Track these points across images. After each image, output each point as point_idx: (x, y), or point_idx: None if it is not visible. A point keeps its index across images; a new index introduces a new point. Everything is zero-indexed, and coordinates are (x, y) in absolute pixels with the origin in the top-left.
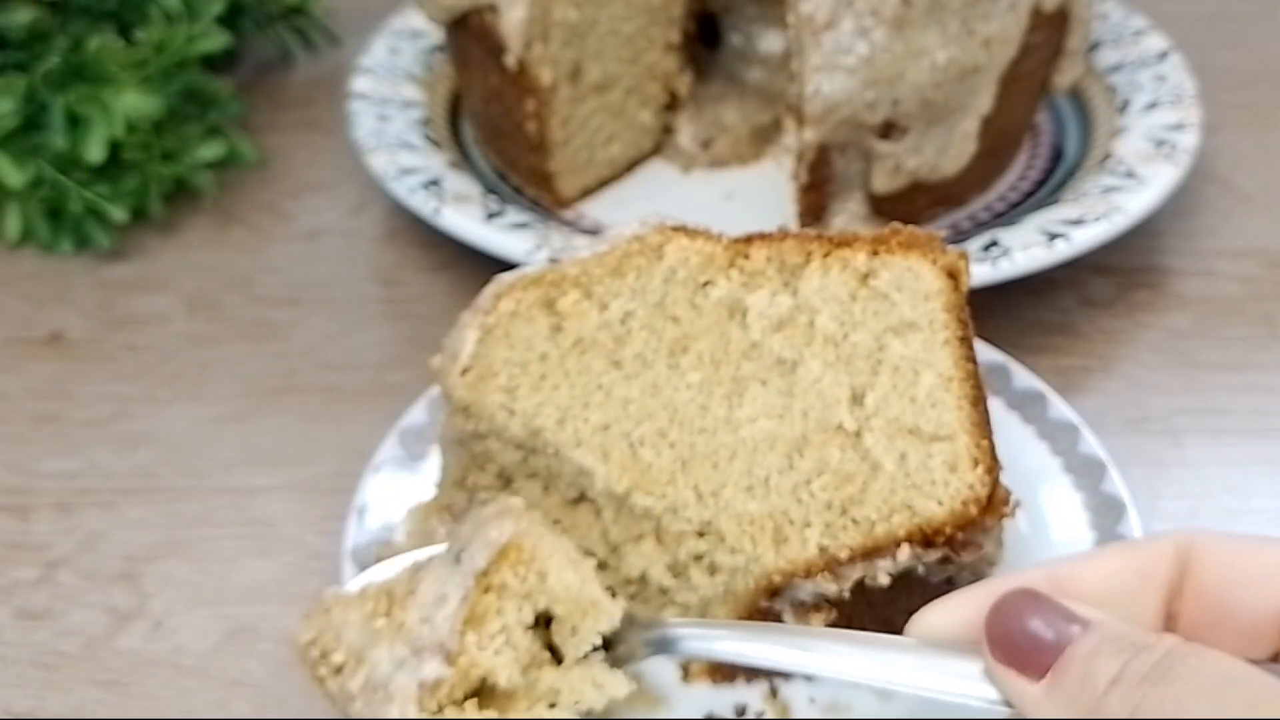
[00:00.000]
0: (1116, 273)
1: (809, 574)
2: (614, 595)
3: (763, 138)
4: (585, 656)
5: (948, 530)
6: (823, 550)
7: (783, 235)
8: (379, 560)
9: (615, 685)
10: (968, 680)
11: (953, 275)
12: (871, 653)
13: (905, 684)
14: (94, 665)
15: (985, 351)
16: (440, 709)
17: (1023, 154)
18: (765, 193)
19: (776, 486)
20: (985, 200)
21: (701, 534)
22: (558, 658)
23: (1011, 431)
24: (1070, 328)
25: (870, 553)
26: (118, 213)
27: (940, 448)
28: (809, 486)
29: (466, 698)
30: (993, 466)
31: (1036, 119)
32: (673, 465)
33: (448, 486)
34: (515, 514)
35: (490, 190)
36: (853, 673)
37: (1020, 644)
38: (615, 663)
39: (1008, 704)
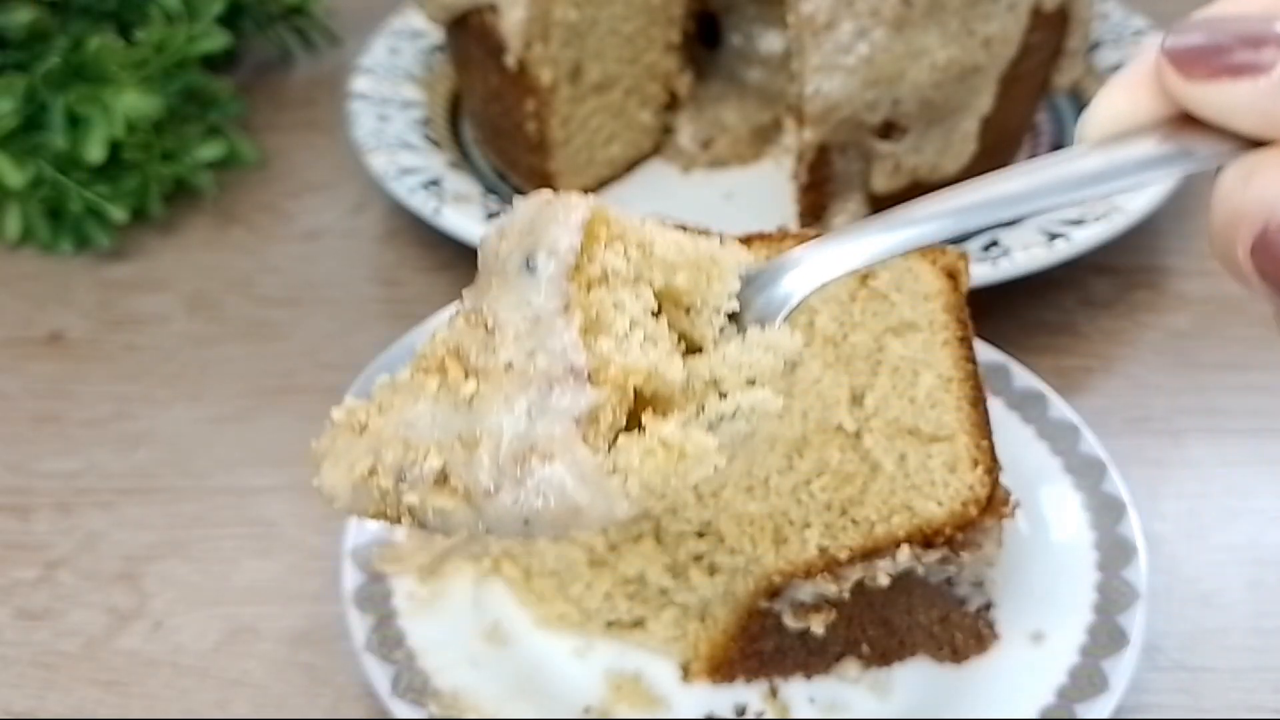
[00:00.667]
0: (1117, 273)
1: (809, 575)
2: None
3: (763, 138)
4: (721, 332)
5: (947, 531)
6: (822, 551)
7: (783, 235)
8: (382, 561)
9: (775, 341)
10: (1149, 149)
11: (952, 275)
12: (1045, 172)
13: (1085, 184)
14: (94, 665)
15: (985, 351)
16: (614, 440)
17: (1023, 154)
18: (765, 193)
19: (776, 487)
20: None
21: (701, 534)
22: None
23: (1011, 431)
24: (1070, 328)
25: (870, 553)
26: (118, 213)
27: (940, 448)
28: (809, 487)
29: (630, 420)
30: (992, 467)
31: (1036, 119)
32: None
33: None
34: (571, 197)
35: (490, 190)
36: (1036, 194)
37: (1221, 40)
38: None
39: (1198, 157)
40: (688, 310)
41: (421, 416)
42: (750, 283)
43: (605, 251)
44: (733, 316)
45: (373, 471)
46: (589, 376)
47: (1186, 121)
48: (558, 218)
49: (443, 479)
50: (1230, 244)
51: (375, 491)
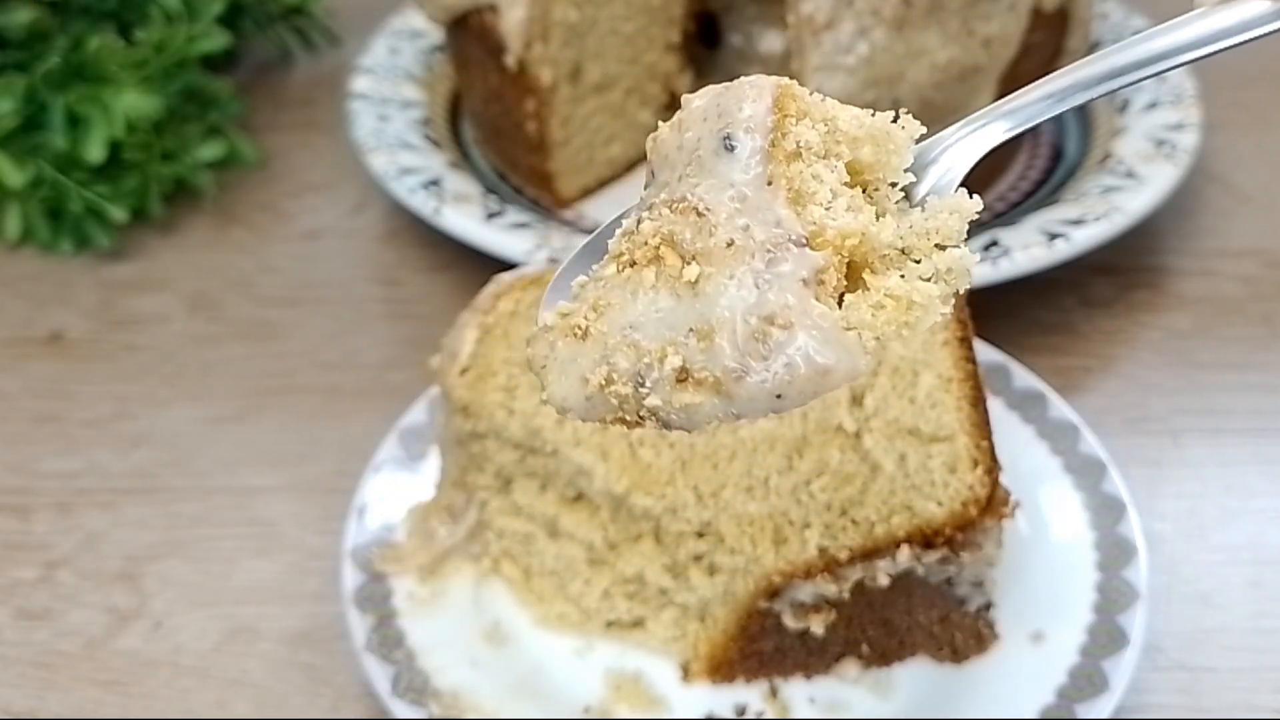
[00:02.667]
0: (1116, 273)
1: (809, 575)
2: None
3: None
4: (896, 204)
5: (947, 531)
6: (822, 551)
7: None
8: (382, 561)
9: (957, 204)
10: (1265, 9)
11: None
12: (1171, 35)
13: (1213, 40)
14: (94, 665)
15: (985, 351)
16: (840, 299)
17: (1023, 154)
18: None
19: (776, 487)
20: (985, 200)
21: (701, 534)
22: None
23: (1011, 431)
24: (1070, 328)
25: (870, 554)
26: (118, 213)
27: (940, 448)
28: (808, 487)
29: (845, 282)
30: (992, 467)
31: None
32: (672, 465)
33: (447, 486)
34: (756, 77)
35: (490, 190)
36: (1170, 54)
37: None
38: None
39: None
40: (866, 185)
41: (646, 313)
42: (918, 157)
43: (796, 126)
44: (904, 189)
45: (609, 380)
46: (809, 243)
47: None
48: (748, 96)
49: (684, 375)
50: None
51: (613, 400)
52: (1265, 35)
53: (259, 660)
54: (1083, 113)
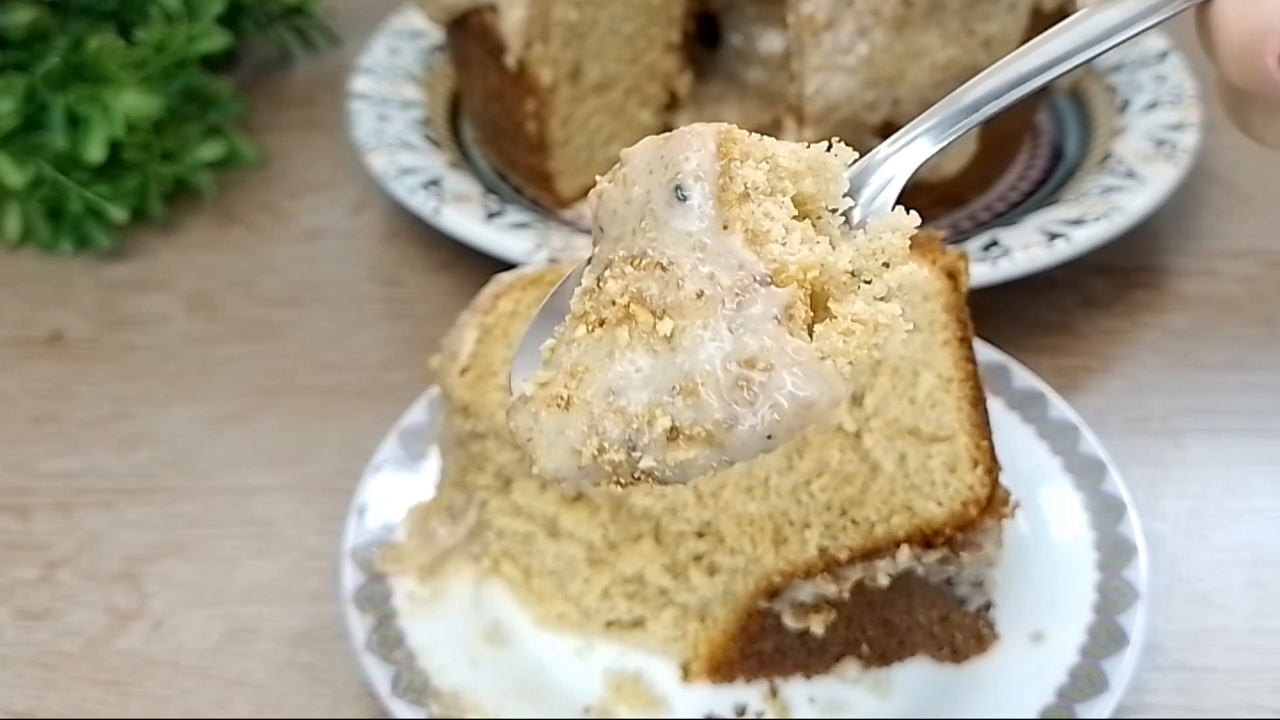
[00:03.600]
0: (1116, 273)
1: (809, 575)
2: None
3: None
4: (839, 228)
5: (947, 531)
6: (822, 551)
7: None
8: (382, 561)
9: (897, 222)
10: (1150, 2)
11: (952, 275)
12: (1074, 31)
13: (1112, 34)
14: (94, 665)
15: (985, 351)
16: (809, 332)
17: (1023, 154)
18: None
19: (776, 487)
20: (985, 200)
21: (701, 534)
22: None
23: (1011, 431)
24: (1070, 328)
25: (870, 554)
26: (118, 213)
27: (940, 448)
28: (808, 487)
29: (812, 313)
30: (992, 467)
31: (1036, 119)
32: None
33: (447, 486)
34: (695, 126)
35: (490, 190)
36: (1073, 53)
37: None
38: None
39: None
40: (809, 215)
41: (627, 375)
42: (851, 181)
43: (741, 168)
44: (844, 213)
45: (601, 450)
46: (773, 280)
47: None
48: (691, 145)
49: (675, 434)
50: (1258, 58)
51: (607, 467)
52: (1153, 27)
53: (259, 660)
54: (1083, 113)
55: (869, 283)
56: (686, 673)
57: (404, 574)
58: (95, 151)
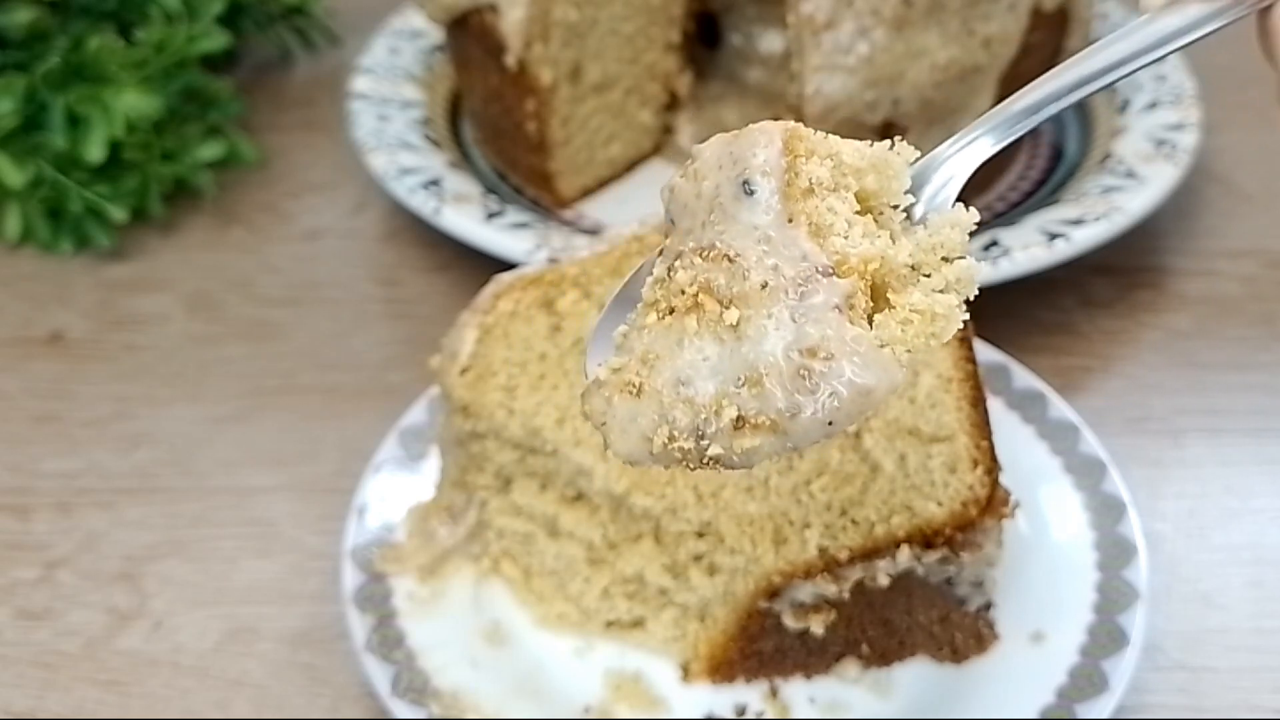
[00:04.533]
0: (1116, 273)
1: (808, 575)
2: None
3: None
4: (900, 225)
5: (947, 531)
6: (822, 551)
7: None
8: (382, 561)
9: (956, 218)
10: (1203, 8)
11: None
12: (1129, 40)
13: (1164, 43)
14: (94, 665)
15: (985, 351)
16: (870, 319)
17: (1023, 154)
18: None
19: (776, 487)
20: (985, 200)
21: (701, 534)
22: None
23: (1011, 431)
24: (1070, 328)
25: (870, 554)
26: (118, 213)
27: (939, 449)
28: (808, 487)
29: (872, 304)
30: (992, 467)
31: None
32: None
33: (447, 486)
34: (762, 124)
35: (490, 190)
36: (1128, 60)
37: None
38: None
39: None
40: (871, 211)
41: (694, 363)
42: (914, 179)
43: (806, 164)
44: (905, 210)
45: (671, 439)
46: (835, 271)
47: None
48: (759, 141)
49: (742, 423)
50: None
51: (677, 454)
52: (1214, 32)
53: (259, 660)
54: (1083, 113)
55: (929, 276)
56: (686, 673)
57: (404, 574)
58: (95, 151)
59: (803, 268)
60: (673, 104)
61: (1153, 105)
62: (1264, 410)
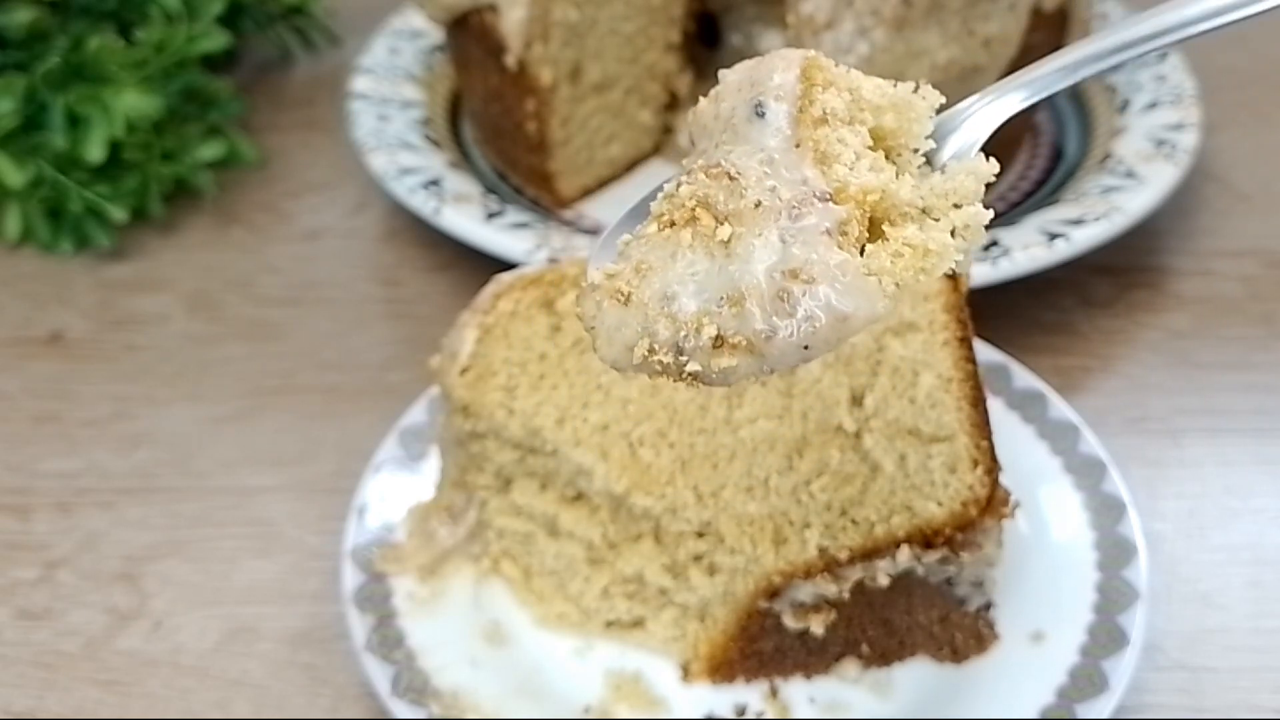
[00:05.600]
0: (1116, 273)
1: (808, 575)
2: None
3: None
4: (918, 169)
5: (947, 531)
6: (822, 551)
7: None
8: (382, 561)
9: (974, 167)
10: None
11: (952, 275)
12: (1177, 12)
13: (1205, 19)
14: (94, 665)
15: (985, 351)
16: (862, 250)
17: (1023, 154)
18: None
19: (776, 487)
20: (986, 200)
21: (701, 534)
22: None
23: (1011, 431)
24: (1070, 328)
25: (870, 554)
26: (118, 213)
27: (940, 449)
28: (808, 487)
29: (868, 234)
30: (992, 467)
31: (1036, 119)
32: (672, 465)
33: (446, 486)
34: (785, 50)
35: (490, 190)
36: (1179, 24)
37: None
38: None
39: None
40: (889, 150)
41: (682, 279)
42: (939, 126)
43: (823, 94)
44: (926, 155)
45: (651, 350)
46: (832, 197)
47: None
48: (777, 67)
49: (720, 342)
50: None
51: (657, 365)
52: (1262, 12)
53: (259, 660)
54: (1083, 113)
55: (937, 220)
56: (686, 673)
57: (404, 574)
58: (95, 151)
59: (801, 191)
60: (673, 104)
61: (1153, 105)
62: (1264, 410)
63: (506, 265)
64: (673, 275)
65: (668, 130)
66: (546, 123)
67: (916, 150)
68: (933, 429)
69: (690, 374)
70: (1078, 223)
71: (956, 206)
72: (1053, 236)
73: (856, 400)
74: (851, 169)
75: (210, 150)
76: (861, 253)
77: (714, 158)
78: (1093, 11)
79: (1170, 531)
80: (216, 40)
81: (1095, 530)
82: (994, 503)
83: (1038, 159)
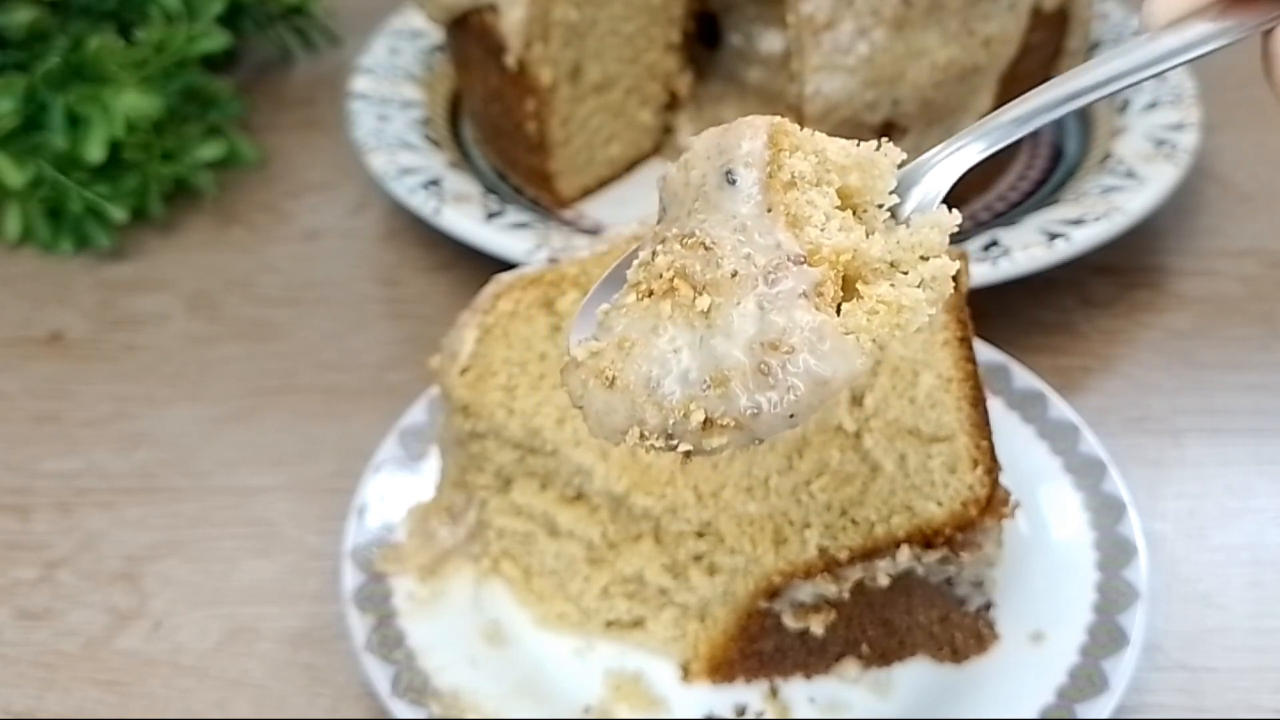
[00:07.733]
0: (1116, 273)
1: (808, 575)
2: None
3: None
4: (883, 224)
5: (947, 531)
6: (822, 551)
7: None
8: (382, 561)
9: (938, 219)
10: (1208, 27)
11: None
12: (1127, 57)
13: (1161, 61)
14: (94, 665)
15: (985, 351)
16: (837, 309)
17: (1023, 154)
18: None
19: (776, 487)
20: (985, 200)
21: (701, 534)
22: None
23: (1011, 431)
24: (1070, 328)
25: (870, 554)
26: (118, 213)
27: (939, 449)
28: (808, 487)
29: (843, 294)
30: (992, 467)
31: None
32: (672, 465)
33: (447, 487)
34: (750, 118)
35: (490, 190)
36: (1122, 75)
37: None
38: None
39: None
40: (855, 208)
41: (665, 357)
42: (902, 179)
43: (790, 158)
44: (890, 209)
45: (643, 436)
46: (804, 259)
47: (1231, 2)
48: (745, 134)
49: (709, 425)
50: None
51: (649, 449)
52: (1212, 52)
53: (259, 660)
54: (1083, 112)
55: (906, 273)
56: (686, 673)
57: (404, 574)
58: (95, 151)
59: (775, 255)
60: (673, 104)
61: (1153, 105)
62: (1264, 410)
63: (506, 265)
64: (656, 353)
65: (667, 130)
66: (546, 123)
67: (881, 205)
68: (933, 429)
69: (683, 453)
70: (1078, 223)
71: (923, 259)
72: (1053, 236)
73: (856, 400)
74: (823, 230)
75: (210, 150)
76: (838, 312)
77: (688, 226)
78: (1093, 11)
79: (1170, 531)
80: (216, 40)
81: (1095, 530)
82: (994, 503)
83: (1038, 159)
